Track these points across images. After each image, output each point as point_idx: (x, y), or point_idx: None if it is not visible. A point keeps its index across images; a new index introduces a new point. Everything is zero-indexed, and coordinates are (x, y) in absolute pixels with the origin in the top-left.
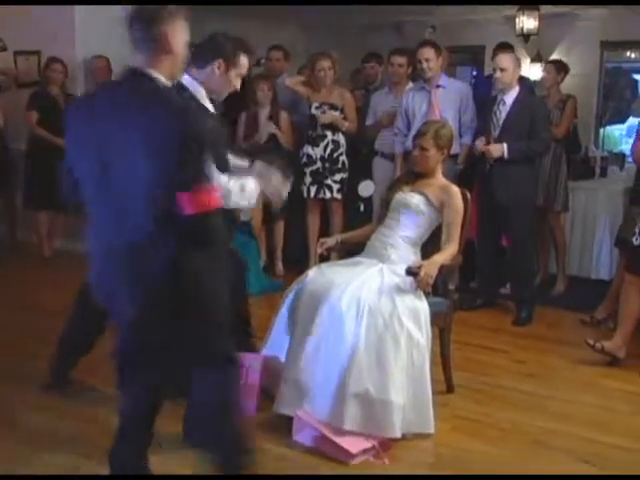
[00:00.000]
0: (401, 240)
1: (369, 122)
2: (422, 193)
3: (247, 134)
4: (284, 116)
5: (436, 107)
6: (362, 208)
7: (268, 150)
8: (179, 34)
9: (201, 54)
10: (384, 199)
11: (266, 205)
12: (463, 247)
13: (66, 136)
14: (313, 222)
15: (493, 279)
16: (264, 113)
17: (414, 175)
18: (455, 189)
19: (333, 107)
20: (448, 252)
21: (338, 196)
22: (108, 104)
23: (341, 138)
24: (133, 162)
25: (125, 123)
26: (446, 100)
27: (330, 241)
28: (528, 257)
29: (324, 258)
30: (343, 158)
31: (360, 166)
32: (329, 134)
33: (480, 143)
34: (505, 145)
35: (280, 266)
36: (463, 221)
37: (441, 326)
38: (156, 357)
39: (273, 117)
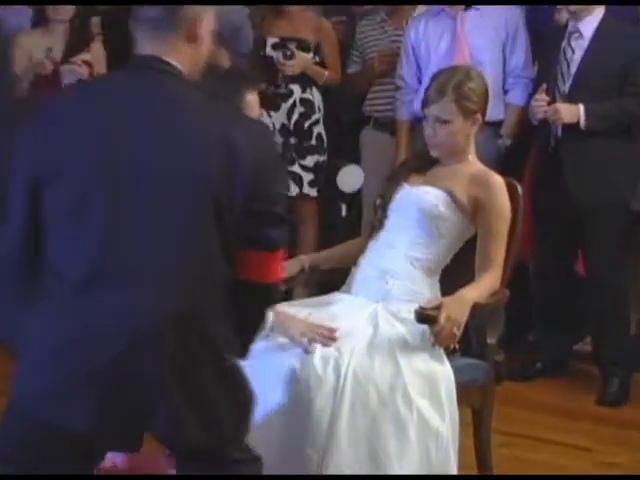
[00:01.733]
0: (408, 264)
1: (353, 69)
2: (443, 187)
3: None
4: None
5: (464, 43)
6: (344, 211)
7: None
8: (207, 19)
9: None
10: (380, 197)
11: None
12: (511, 275)
13: (23, 152)
14: None
15: (562, 329)
16: None
17: (429, 159)
18: (497, 180)
19: (303, 46)
20: (485, 284)
21: (311, 192)
22: (127, 114)
23: (316, 97)
24: (183, 202)
25: (170, 144)
26: (480, 31)
27: (292, 267)
28: (619, 293)
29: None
30: (319, 130)
31: (341, 143)
32: (296, 90)
33: (540, 102)
34: (581, 107)
35: None
36: (511, 233)
37: (476, 405)
38: None
39: None
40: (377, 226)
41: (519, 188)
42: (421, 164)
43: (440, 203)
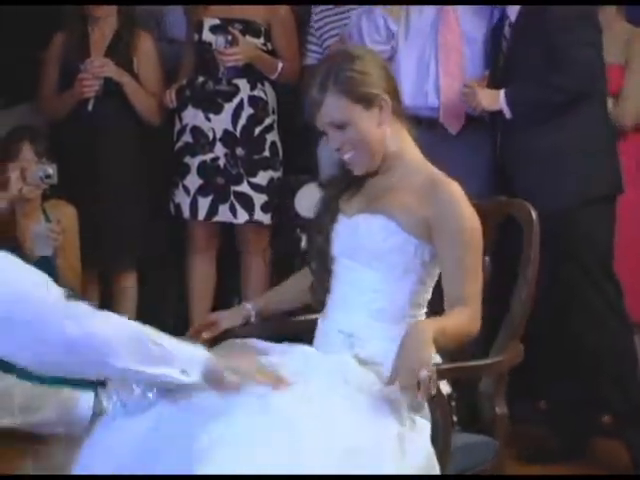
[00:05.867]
0: (372, 320)
1: (311, 60)
2: (383, 210)
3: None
4: (144, 42)
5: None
6: (303, 242)
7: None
8: None
9: None
10: (316, 235)
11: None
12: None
13: None
14: (202, 275)
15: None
16: (98, 43)
17: (358, 176)
18: (450, 190)
19: (250, 29)
20: (457, 318)
21: (264, 218)
22: None
23: (269, 95)
24: None
25: None
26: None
27: (233, 318)
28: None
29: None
30: (273, 137)
31: (297, 154)
32: (243, 87)
33: (466, 89)
34: (501, 91)
35: None
36: (523, 274)
37: None
38: None
39: (117, 50)
40: (323, 274)
41: (532, 212)
42: (351, 184)
43: (385, 234)
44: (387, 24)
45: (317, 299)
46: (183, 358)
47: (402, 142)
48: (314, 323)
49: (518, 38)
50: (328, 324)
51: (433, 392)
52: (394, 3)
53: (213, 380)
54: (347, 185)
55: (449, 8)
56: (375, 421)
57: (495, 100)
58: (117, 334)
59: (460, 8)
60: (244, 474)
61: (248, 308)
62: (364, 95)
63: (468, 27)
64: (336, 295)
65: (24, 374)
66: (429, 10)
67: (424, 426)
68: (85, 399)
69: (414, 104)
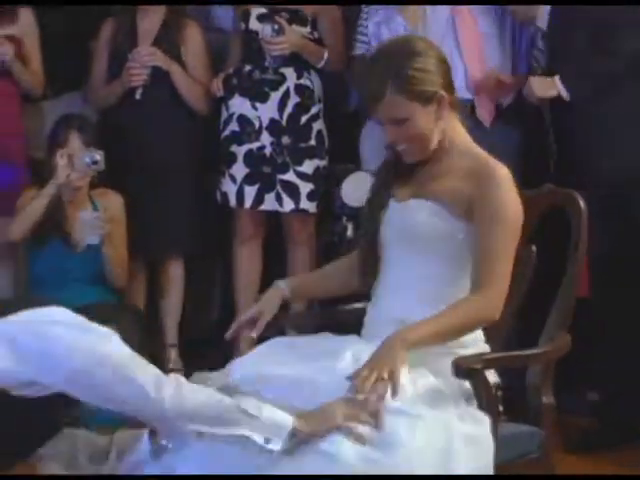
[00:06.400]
0: (426, 306)
1: (359, 50)
2: (432, 195)
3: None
4: (191, 31)
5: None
6: (350, 230)
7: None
8: None
9: None
10: (366, 222)
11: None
12: (574, 312)
13: None
14: (248, 262)
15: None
16: (147, 33)
17: (408, 164)
18: (498, 172)
19: (296, 18)
20: (460, 311)
21: (310, 207)
22: None
23: (316, 84)
24: None
25: None
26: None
27: (270, 301)
28: None
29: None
30: (319, 126)
31: (343, 141)
32: (290, 76)
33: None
34: (557, 78)
35: (174, 354)
36: (573, 261)
37: None
38: None
39: (165, 39)
40: (372, 260)
41: (581, 202)
42: (401, 171)
43: (435, 220)
44: (407, 31)
45: (365, 285)
46: (267, 425)
47: (453, 130)
48: (361, 312)
49: (560, 23)
50: (378, 311)
51: (375, 410)
52: (395, 3)
53: (297, 444)
54: (398, 171)
55: (463, 7)
56: (440, 418)
57: (550, 87)
58: (207, 401)
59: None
60: (254, 474)
61: (282, 287)
62: (423, 92)
63: (482, 23)
64: (386, 282)
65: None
66: (443, 9)
67: (484, 419)
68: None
69: None
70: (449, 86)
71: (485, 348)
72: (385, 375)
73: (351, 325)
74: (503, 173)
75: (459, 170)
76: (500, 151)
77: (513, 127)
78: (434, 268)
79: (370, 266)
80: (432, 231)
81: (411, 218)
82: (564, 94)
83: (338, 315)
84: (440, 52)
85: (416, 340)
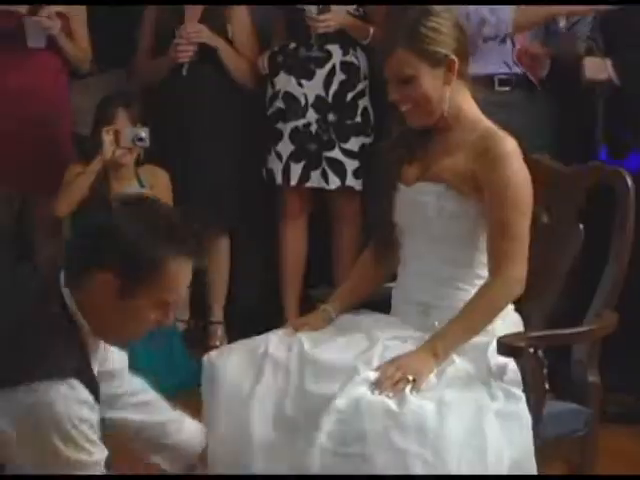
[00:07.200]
0: (449, 288)
1: None
2: (439, 175)
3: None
4: (238, 8)
5: None
6: None
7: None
8: None
9: None
10: (379, 207)
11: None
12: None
13: None
14: (293, 240)
15: None
16: (193, 10)
17: (415, 136)
18: (504, 146)
19: None
20: (490, 295)
21: (355, 184)
22: None
23: (362, 61)
24: None
25: None
26: None
27: (318, 322)
28: None
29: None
30: (365, 103)
31: (388, 119)
32: (336, 52)
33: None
34: (608, 61)
35: (220, 331)
36: (621, 239)
37: (574, 461)
38: None
39: (211, 16)
40: (388, 244)
41: (628, 179)
42: (409, 145)
43: (445, 201)
44: None
45: (386, 271)
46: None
47: (462, 101)
48: (390, 291)
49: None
50: (402, 294)
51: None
52: (395, 3)
53: None
54: (405, 150)
55: None
56: (469, 399)
57: (602, 69)
58: None
59: None
60: (245, 474)
61: (329, 312)
62: (433, 54)
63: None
64: (405, 265)
65: None
66: None
67: (518, 395)
68: None
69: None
70: (462, 53)
71: (516, 318)
72: (410, 377)
73: (380, 304)
74: (509, 148)
75: (465, 145)
76: (536, 127)
77: (542, 107)
78: (449, 250)
79: (387, 251)
80: (442, 215)
81: (419, 202)
82: (615, 79)
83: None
84: (458, 18)
85: (447, 349)
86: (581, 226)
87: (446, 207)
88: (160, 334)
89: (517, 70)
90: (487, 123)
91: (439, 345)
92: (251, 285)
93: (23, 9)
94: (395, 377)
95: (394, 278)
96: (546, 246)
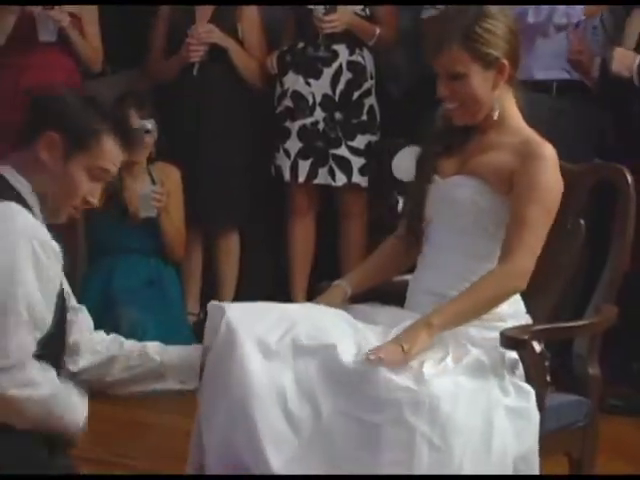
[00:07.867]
0: (464, 281)
1: (427, 13)
2: (476, 171)
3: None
4: (248, 9)
5: None
6: (401, 204)
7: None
8: None
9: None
10: (410, 199)
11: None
12: (620, 286)
13: None
14: (301, 236)
15: None
16: (204, 10)
17: (457, 134)
18: (544, 151)
19: None
20: (490, 281)
21: (361, 181)
22: None
23: (367, 60)
24: None
25: None
26: None
27: (334, 298)
28: None
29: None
30: (371, 102)
31: (394, 116)
32: (342, 52)
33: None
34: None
35: None
36: (620, 236)
37: (574, 453)
38: None
39: (222, 17)
40: (415, 236)
41: (628, 176)
42: (449, 141)
43: (478, 197)
44: None
45: (410, 260)
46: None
47: (507, 105)
48: (405, 284)
49: None
50: (418, 285)
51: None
52: (395, 3)
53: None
54: (444, 144)
55: None
56: (481, 390)
57: (630, 63)
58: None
59: None
60: (245, 474)
61: (343, 286)
62: (486, 55)
63: None
64: (427, 256)
65: None
66: None
67: (529, 392)
68: None
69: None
70: (514, 58)
71: (527, 320)
72: (405, 346)
73: (395, 296)
74: (548, 152)
75: (505, 146)
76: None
77: (589, 110)
78: (474, 245)
79: (414, 240)
80: (474, 208)
81: (453, 195)
82: (636, 78)
83: (383, 287)
84: (512, 22)
85: (441, 324)
86: (582, 221)
87: (479, 202)
88: (171, 326)
89: (575, 76)
90: (528, 130)
91: (434, 318)
92: (260, 280)
93: (37, 10)
94: (390, 346)
95: (404, 272)
96: (549, 242)
